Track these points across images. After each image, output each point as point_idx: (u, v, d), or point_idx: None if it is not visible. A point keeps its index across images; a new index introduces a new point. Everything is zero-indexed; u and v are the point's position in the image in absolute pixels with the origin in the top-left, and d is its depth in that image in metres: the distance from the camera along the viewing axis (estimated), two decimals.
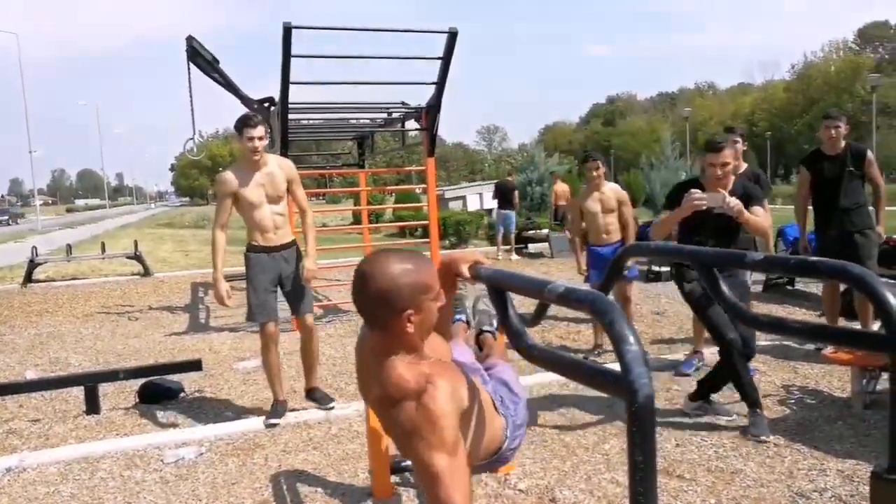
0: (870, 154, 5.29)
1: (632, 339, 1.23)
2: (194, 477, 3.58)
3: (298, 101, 7.18)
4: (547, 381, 4.89)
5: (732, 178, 3.91)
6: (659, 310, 7.55)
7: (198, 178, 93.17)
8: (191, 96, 7.43)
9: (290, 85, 6.59)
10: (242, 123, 4.28)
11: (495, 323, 2.60)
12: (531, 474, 3.41)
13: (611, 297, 5.10)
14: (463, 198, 25.19)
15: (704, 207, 3.57)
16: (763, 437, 3.66)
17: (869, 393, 4.06)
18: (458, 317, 2.61)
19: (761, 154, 57.16)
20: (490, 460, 1.93)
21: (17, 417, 4.76)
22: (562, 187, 15.65)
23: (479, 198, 24.46)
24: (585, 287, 1.51)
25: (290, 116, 7.38)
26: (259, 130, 4.22)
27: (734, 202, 3.52)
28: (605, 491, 3.21)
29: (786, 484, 3.21)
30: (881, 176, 5.40)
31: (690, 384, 4.73)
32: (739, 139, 5.44)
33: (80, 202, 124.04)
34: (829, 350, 4.33)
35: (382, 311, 1.55)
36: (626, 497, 3.06)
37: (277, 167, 4.41)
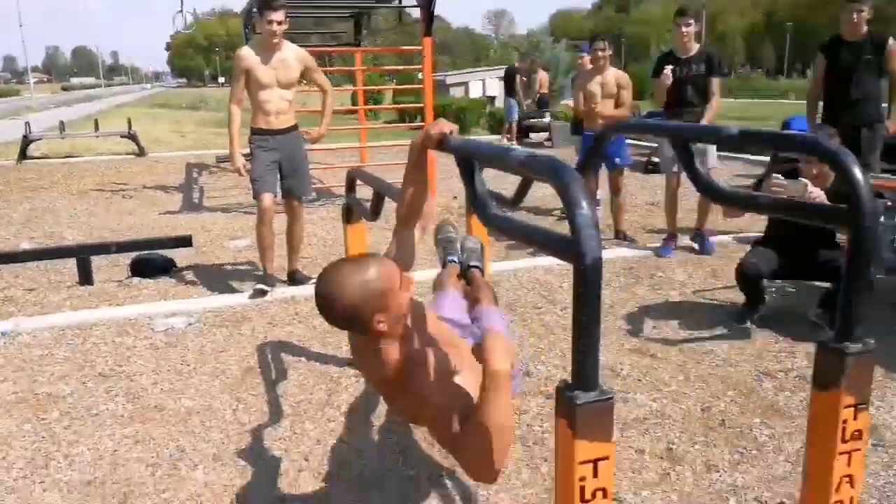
0: (892, 42, 5.02)
1: (584, 204, 1.22)
2: (183, 345, 3.70)
3: None
4: (531, 265, 4.95)
5: (831, 177, 3.49)
6: (654, 200, 7.54)
7: (194, 57, 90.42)
8: None
9: None
10: (263, 5, 4.33)
11: (482, 261, 2.65)
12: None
13: (604, 184, 5.09)
14: (465, 84, 24.52)
15: (782, 195, 3.35)
16: (737, 323, 3.74)
17: None
18: (450, 258, 2.62)
19: (780, 47, 55.26)
20: None
21: (12, 286, 4.86)
22: (543, 75, 15.24)
23: (481, 84, 23.81)
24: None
25: None
26: (279, 14, 4.28)
27: (817, 193, 3.16)
28: None
29: (753, 364, 3.32)
30: None
31: (672, 269, 4.81)
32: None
33: (75, 80, 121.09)
34: None
35: (353, 325, 1.62)
36: (660, 370, 3.15)
37: (292, 54, 4.49)
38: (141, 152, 12.42)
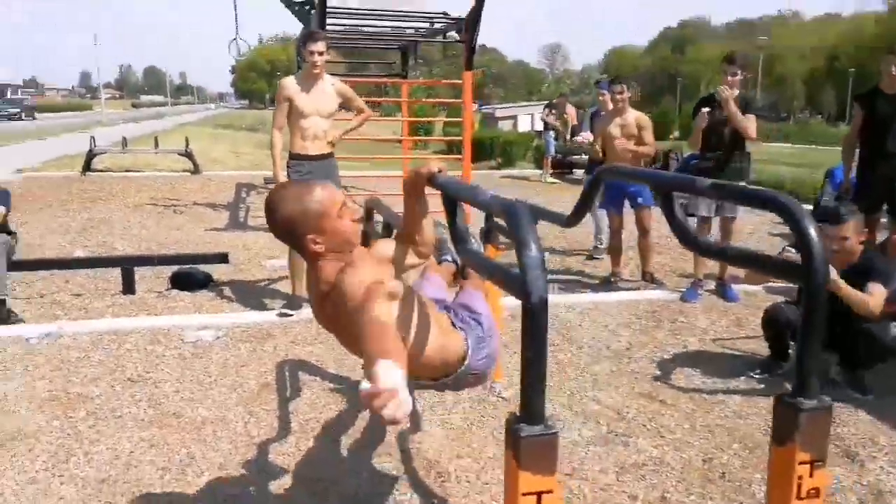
0: None
1: (533, 246, 1.33)
2: (209, 357, 3.88)
3: (338, 5, 7.14)
4: (553, 302, 5.00)
5: (856, 253, 3.49)
6: None
7: (256, 81, 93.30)
8: None
9: None
10: (306, 38, 4.68)
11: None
12: (516, 385, 3.56)
13: (631, 225, 5.04)
14: (514, 117, 24.74)
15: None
16: (753, 376, 3.74)
17: None
18: (444, 257, 2.73)
19: (841, 91, 53.99)
20: (460, 371, 2.03)
21: (62, 291, 5.16)
22: (571, 110, 15.28)
23: (530, 118, 23.98)
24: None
25: (333, 21, 7.38)
26: (320, 46, 4.55)
27: (841, 284, 3.26)
28: (584, 407, 3.36)
29: (763, 418, 3.28)
30: None
31: (696, 315, 4.80)
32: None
33: (144, 98, 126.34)
34: None
35: (288, 238, 1.78)
36: (604, 414, 3.21)
37: (331, 85, 4.75)
38: (196, 170, 12.91)
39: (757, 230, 8.28)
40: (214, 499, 2.52)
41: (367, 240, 3.36)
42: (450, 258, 2.72)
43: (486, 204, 1.50)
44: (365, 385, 1.06)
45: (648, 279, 5.74)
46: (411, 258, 2.08)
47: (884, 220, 5.46)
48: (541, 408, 1.37)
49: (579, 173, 14.29)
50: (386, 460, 2.84)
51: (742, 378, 3.72)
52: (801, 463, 1.50)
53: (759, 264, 1.63)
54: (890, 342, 3.44)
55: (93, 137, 12.82)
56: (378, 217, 3.18)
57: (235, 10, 7.47)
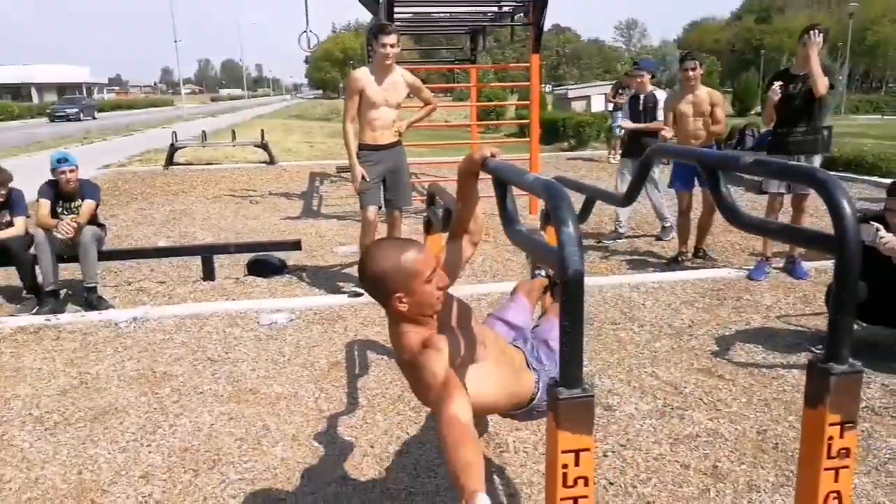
0: None
1: (570, 222, 1.41)
2: (282, 338, 4.11)
3: None
4: (618, 282, 5.03)
5: None
6: None
7: (329, 71, 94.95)
8: None
9: None
10: (378, 30, 4.75)
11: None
12: None
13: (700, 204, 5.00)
14: (587, 98, 24.37)
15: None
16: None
17: None
18: (538, 271, 2.80)
19: None
20: (526, 409, 2.11)
21: (147, 279, 5.53)
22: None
23: (603, 98, 23.55)
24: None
25: (403, 10, 7.53)
26: (392, 38, 4.64)
27: (888, 238, 3.31)
28: (641, 382, 3.41)
29: None
30: None
31: (761, 293, 4.73)
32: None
33: (223, 91, 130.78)
34: None
35: (376, 293, 1.82)
36: (662, 389, 3.26)
37: (401, 77, 4.83)
38: (272, 161, 13.40)
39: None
40: (287, 467, 2.72)
41: (429, 227, 3.51)
42: (543, 273, 2.77)
43: (530, 185, 1.59)
44: None
45: (702, 256, 5.68)
46: (467, 249, 2.14)
47: None
48: (578, 373, 1.45)
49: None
50: (407, 458, 2.97)
51: (803, 354, 3.68)
52: (831, 424, 1.53)
53: (796, 237, 1.66)
54: None
55: (174, 133, 13.47)
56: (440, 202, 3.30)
57: (306, 2, 7.67)
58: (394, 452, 2.83)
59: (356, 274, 5.18)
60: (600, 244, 6.46)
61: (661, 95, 6.45)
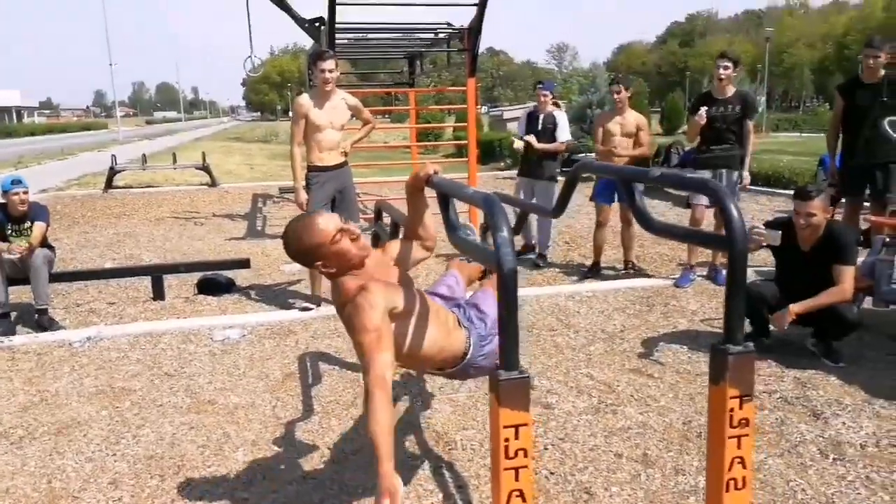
0: None
1: (505, 228, 1.66)
2: (236, 352, 4.24)
3: (348, 21, 7.52)
4: (554, 292, 5.34)
5: (821, 227, 3.81)
6: None
7: (267, 93, 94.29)
8: (248, 14, 7.88)
9: (336, 5, 6.94)
10: (316, 57, 4.99)
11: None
12: None
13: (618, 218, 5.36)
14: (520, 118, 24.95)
15: (763, 243, 3.84)
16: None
17: None
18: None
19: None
20: (463, 364, 2.36)
21: (96, 300, 5.56)
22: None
23: None
24: None
25: (343, 36, 7.76)
26: (330, 64, 4.87)
27: (807, 306, 3.71)
28: (577, 382, 3.69)
29: None
30: None
31: (687, 299, 5.11)
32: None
33: (158, 115, 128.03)
34: None
35: (304, 264, 2.19)
36: (596, 388, 3.52)
37: (342, 100, 5.07)
38: (213, 183, 13.36)
39: (756, 216, 8.51)
40: (250, 469, 2.87)
41: (377, 240, 3.72)
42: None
43: (469, 197, 1.84)
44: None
45: (631, 267, 6.04)
46: (418, 252, 2.38)
47: (866, 204, 5.72)
48: (515, 358, 1.70)
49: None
50: (400, 434, 3.17)
51: None
52: (731, 398, 1.82)
53: (696, 238, 1.96)
54: (852, 318, 3.75)
55: (114, 156, 13.32)
56: (387, 218, 3.53)
57: (249, 28, 7.83)
58: (349, 452, 3.02)
59: (304, 291, 5.39)
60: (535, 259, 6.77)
61: (560, 116, 6.47)
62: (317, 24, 7.91)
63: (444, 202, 2.10)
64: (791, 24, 71.19)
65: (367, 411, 1.86)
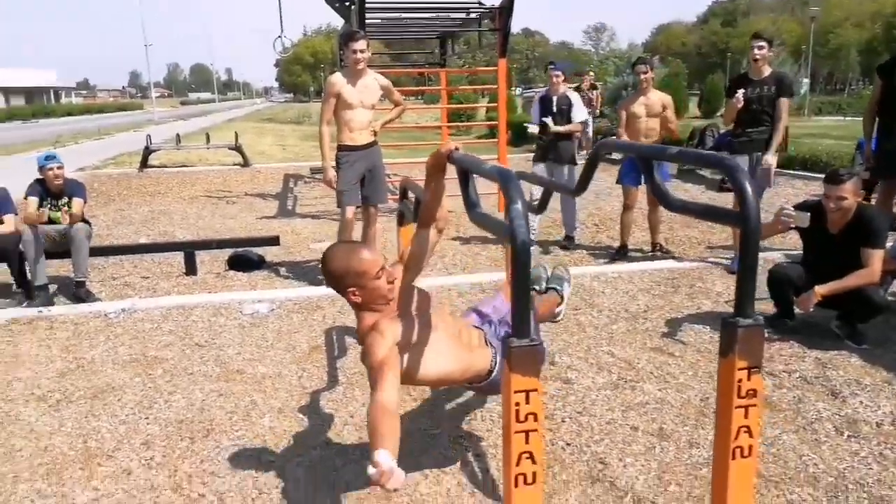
0: None
1: (519, 201, 1.71)
2: (265, 325, 4.36)
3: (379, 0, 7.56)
4: (580, 273, 5.36)
5: (852, 211, 3.78)
6: None
7: (300, 74, 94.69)
8: None
9: None
10: (348, 37, 5.06)
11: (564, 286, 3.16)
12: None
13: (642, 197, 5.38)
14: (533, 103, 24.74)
15: (791, 225, 3.78)
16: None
17: None
18: (551, 285, 3.16)
19: None
20: (490, 380, 2.43)
21: (131, 274, 5.74)
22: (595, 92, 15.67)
23: None
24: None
25: (374, 15, 7.81)
26: (361, 44, 4.93)
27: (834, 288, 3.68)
28: (598, 359, 3.73)
29: (765, 366, 3.61)
30: None
31: (713, 281, 5.09)
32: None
33: (192, 96, 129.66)
34: None
35: (334, 287, 2.24)
36: (617, 365, 3.56)
37: (374, 80, 5.12)
38: (245, 163, 13.56)
39: (791, 200, 8.40)
40: (276, 435, 2.98)
41: (402, 219, 3.79)
42: (536, 289, 3.06)
43: (487, 172, 1.89)
44: (372, 470, 1.65)
45: (659, 249, 6.02)
46: (433, 237, 2.44)
47: None
48: (527, 326, 1.75)
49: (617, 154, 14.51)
50: (423, 405, 3.26)
51: None
52: (740, 369, 1.86)
53: (710, 214, 1.98)
54: (879, 300, 3.72)
55: (149, 136, 13.59)
56: (411, 196, 3.60)
57: (280, 8, 7.91)
58: None
59: None
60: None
61: (574, 97, 6.42)
62: (347, 4, 7.96)
63: (465, 179, 2.14)
64: (838, 2, 68.89)
65: (369, 426, 1.91)
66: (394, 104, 5.57)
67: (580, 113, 6.38)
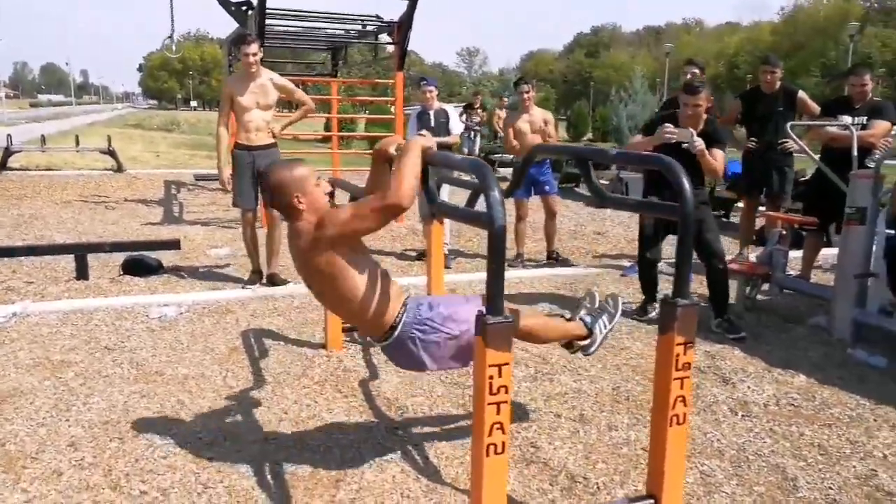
0: (801, 94, 5.93)
1: (496, 189, 1.87)
2: (176, 329, 4.23)
3: (275, 6, 7.51)
4: (551, 273, 5.63)
5: (703, 118, 4.32)
6: (601, 231, 8.28)
7: (167, 80, 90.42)
8: None
9: None
10: (240, 40, 5.11)
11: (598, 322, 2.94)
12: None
13: (533, 209, 5.71)
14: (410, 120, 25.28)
15: (673, 140, 4.11)
16: (637, 318, 4.65)
17: (748, 298, 4.85)
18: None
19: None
20: (395, 337, 2.43)
21: (11, 279, 5.33)
22: (501, 112, 16.26)
23: None
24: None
25: (267, 22, 7.74)
26: (254, 47, 5.01)
27: (699, 142, 4.07)
28: (515, 355, 3.91)
29: None
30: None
31: (606, 286, 5.50)
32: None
33: (43, 97, 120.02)
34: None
35: (280, 198, 2.39)
36: (532, 360, 3.76)
37: (269, 80, 5.16)
38: (119, 168, 12.85)
39: None
40: (210, 432, 2.94)
41: None
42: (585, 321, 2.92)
43: (458, 164, 2.04)
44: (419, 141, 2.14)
45: (555, 258, 6.41)
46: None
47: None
48: (500, 304, 1.91)
49: (503, 171, 15.05)
50: (353, 401, 3.32)
51: (644, 331, 4.40)
52: (677, 344, 2.11)
53: (646, 208, 2.24)
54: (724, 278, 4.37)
55: (9, 136, 12.57)
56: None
57: (172, 8, 7.67)
58: (307, 417, 3.13)
59: (234, 274, 5.41)
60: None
61: (451, 110, 6.66)
62: (244, 9, 7.84)
63: (425, 173, 2.28)
64: (687, 41, 75.24)
65: (399, 173, 2.17)
66: (299, 104, 5.62)
67: (457, 126, 6.67)
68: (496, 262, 1.88)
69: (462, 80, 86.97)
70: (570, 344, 2.94)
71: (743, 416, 3.25)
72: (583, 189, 11.79)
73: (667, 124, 4.19)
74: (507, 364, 1.93)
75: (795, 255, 5.54)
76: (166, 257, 5.93)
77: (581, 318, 2.94)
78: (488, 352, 1.90)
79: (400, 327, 2.46)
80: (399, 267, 6.20)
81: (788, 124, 5.46)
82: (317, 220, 2.33)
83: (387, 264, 6.09)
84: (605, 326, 2.93)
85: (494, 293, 1.91)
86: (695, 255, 3.39)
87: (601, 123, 30.59)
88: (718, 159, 4.24)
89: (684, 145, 4.10)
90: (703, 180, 4.65)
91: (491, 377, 1.92)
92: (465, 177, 2.94)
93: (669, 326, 2.11)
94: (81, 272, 5.33)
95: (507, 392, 1.94)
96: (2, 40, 39.26)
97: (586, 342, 2.90)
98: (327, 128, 16.24)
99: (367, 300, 2.41)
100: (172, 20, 8.10)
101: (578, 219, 9.14)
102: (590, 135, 32.42)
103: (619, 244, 7.47)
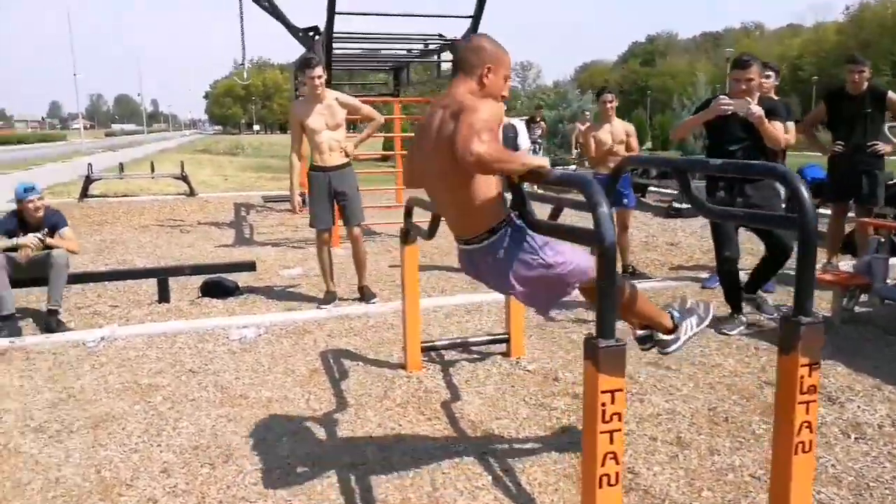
0: (891, 94, 5.59)
1: (604, 205, 1.77)
2: (256, 350, 4.25)
3: (340, 31, 7.60)
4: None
5: (756, 94, 4.20)
6: (674, 241, 8.03)
7: (231, 106, 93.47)
8: (242, 22, 7.91)
9: (336, 15, 7.02)
10: (304, 64, 5.23)
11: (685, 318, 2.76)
12: (538, 360, 4.02)
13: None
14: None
15: (729, 112, 3.99)
16: (727, 332, 4.39)
17: (846, 310, 4.56)
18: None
19: (806, 100, 55.65)
20: (489, 241, 2.33)
21: (97, 303, 5.49)
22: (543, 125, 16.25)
23: None
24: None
25: (338, 44, 7.84)
26: (318, 70, 5.10)
27: (756, 109, 3.94)
28: None
29: (756, 376, 3.76)
30: None
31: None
32: (773, 74, 5.72)
33: (116, 127, 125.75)
34: (818, 273, 4.83)
35: (471, 58, 2.33)
36: (674, 378, 3.59)
37: (335, 100, 5.23)
38: (192, 192, 13.24)
39: None
40: (297, 456, 2.90)
41: (406, 236, 3.79)
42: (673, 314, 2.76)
43: (559, 179, 1.95)
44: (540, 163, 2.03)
45: (631, 271, 6.22)
46: None
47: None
48: (612, 326, 1.80)
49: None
50: (437, 423, 3.24)
51: (734, 347, 4.19)
52: (802, 366, 1.94)
53: (764, 220, 2.09)
54: (788, 242, 4.10)
55: (90, 164, 13.11)
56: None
57: (243, 37, 7.86)
58: (393, 440, 3.07)
59: (308, 293, 5.43)
60: None
61: (519, 125, 6.73)
62: (311, 34, 7.97)
63: (520, 188, 2.20)
64: (747, 45, 73.23)
65: (494, 157, 2.05)
66: (366, 119, 5.65)
67: (525, 141, 6.56)
68: (607, 279, 1.78)
69: (517, 94, 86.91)
70: (648, 336, 2.78)
71: (857, 438, 3.02)
72: (649, 199, 11.51)
73: (722, 96, 4.04)
74: (620, 390, 1.81)
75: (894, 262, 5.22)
76: (241, 278, 6.02)
77: (670, 311, 2.77)
78: (601, 377, 1.79)
79: (499, 233, 2.33)
80: (443, 281, 6.11)
81: (886, 125, 5.15)
82: (484, 98, 2.27)
83: (433, 280, 6.07)
84: (692, 328, 2.75)
85: (605, 314, 1.80)
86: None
87: (660, 132, 30.01)
88: (779, 129, 4.05)
89: (741, 115, 3.94)
90: (772, 154, 4.34)
91: (604, 404, 1.80)
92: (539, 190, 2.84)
93: (792, 346, 1.95)
94: (163, 295, 5.44)
95: (620, 420, 1.83)
96: (79, 75, 41.31)
97: (669, 337, 2.74)
98: (385, 147, 16.47)
99: (480, 190, 2.30)
100: (244, 48, 8.32)
101: (649, 230, 8.89)
102: (649, 143, 31.80)
103: (694, 255, 7.21)
